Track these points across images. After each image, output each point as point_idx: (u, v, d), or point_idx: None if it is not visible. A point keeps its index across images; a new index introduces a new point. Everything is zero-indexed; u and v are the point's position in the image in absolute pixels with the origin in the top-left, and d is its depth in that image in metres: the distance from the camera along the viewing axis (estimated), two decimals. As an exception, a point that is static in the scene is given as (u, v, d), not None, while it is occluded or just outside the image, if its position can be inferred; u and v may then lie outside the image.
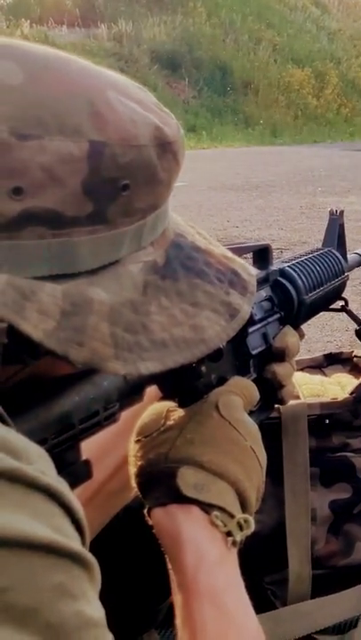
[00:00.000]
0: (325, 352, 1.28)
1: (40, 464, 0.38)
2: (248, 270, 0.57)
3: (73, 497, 0.39)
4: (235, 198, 7.02)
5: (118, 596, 0.64)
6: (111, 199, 0.46)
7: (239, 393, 0.63)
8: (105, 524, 0.70)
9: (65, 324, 0.44)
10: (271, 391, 0.72)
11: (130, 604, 0.81)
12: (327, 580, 0.97)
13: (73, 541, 0.37)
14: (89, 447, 0.54)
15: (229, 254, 0.57)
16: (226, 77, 16.29)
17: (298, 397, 1.02)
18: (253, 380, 0.68)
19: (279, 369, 0.72)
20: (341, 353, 1.25)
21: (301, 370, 1.17)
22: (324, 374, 1.23)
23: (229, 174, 8.85)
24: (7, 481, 0.36)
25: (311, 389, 1.08)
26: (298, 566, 0.95)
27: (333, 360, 1.25)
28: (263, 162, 10.58)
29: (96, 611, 0.37)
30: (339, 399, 1.02)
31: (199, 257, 0.54)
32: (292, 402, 0.98)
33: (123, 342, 0.47)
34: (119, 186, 0.46)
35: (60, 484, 0.38)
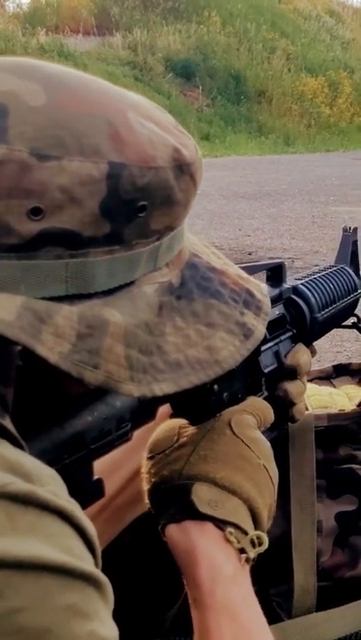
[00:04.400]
0: (335, 362, 1.28)
1: (52, 486, 0.39)
2: (262, 290, 0.57)
3: (85, 517, 0.39)
4: (247, 207, 7.03)
5: (123, 605, 0.64)
6: (128, 220, 0.46)
7: (253, 412, 0.63)
8: (113, 538, 0.70)
9: (80, 346, 0.44)
10: (282, 409, 0.72)
11: (135, 614, 0.82)
12: (333, 592, 0.97)
13: (85, 562, 0.38)
14: (100, 461, 0.54)
15: (244, 274, 0.57)
16: (240, 86, 16.32)
17: (306, 409, 1.02)
18: (265, 399, 0.68)
19: (291, 387, 0.73)
20: (351, 364, 1.25)
21: (310, 381, 1.17)
22: (333, 385, 1.23)
23: (242, 183, 8.86)
24: (21, 504, 0.36)
25: (319, 401, 1.08)
26: (303, 578, 0.94)
27: (342, 371, 1.25)
28: (276, 170, 10.59)
29: (110, 630, 0.38)
30: (346, 411, 1.02)
31: (214, 277, 0.54)
32: (299, 413, 0.98)
33: (137, 364, 0.47)
34: (136, 207, 0.46)
35: (72, 505, 0.39)
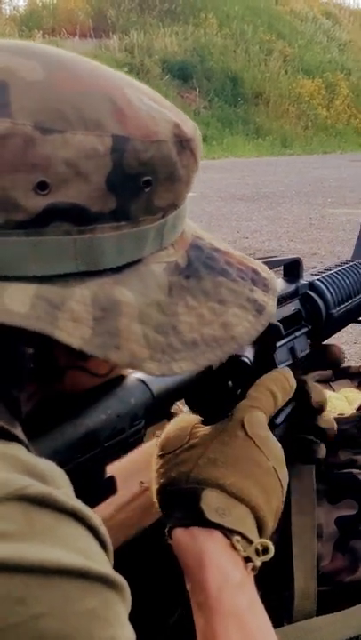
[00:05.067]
0: (333, 366, 1.28)
1: (65, 487, 0.39)
2: (267, 269, 0.57)
3: (96, 517, 0.39)
4: (245, 209, 7.03)
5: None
6: (134, 195, 0.46)
7: (261, 407, 0.63)
8: (124, 542, 0.70)
9: (99, 329, 0.44)
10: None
11: (138, 619, 0.81)
12: (333, 596, 0.97)
13: (103, 565, 0.38)
14: (120, 463, 0.54)
15: (246, 256, 0.57)
16: (237, 88, 16.33)
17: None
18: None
19: (320, 421, 0.73)
20: (350, 367, 1.25)
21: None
22: (332, 389, 1.23)
23: (240, 185, 8.85)
24: (38, 506, 0.36)
25: (318, 404, 1.08)
26: (304, 582, 0.94)
27: (341, 374, 1.25)
28: (273, 172, 10.59)
29: (129, 634, 0.38)
30: (346, 415, 1.02)
31: (219, 257, 0.54)
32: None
33: (155, 344, 0.47)
34: (141, 182, 0.47)
35: (85, 506, 0.39)
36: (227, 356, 0.51)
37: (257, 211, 6.97)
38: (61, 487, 0.39)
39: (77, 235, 0.44)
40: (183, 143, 0.49)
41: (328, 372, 1.25)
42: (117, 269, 0.46)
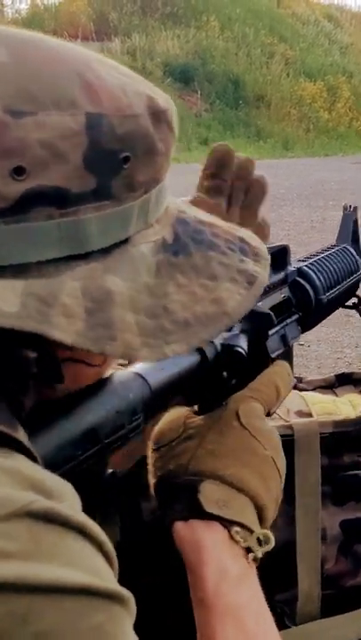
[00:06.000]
0: (335, 368, 1.28)
1: (71, 501, 0.39)
2: (255, 237, 0.56)
3: (101, 531, 0.39)
4: (246, 211, 7.02)
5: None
6: (114, 172, 0.45)
7: (259, 398, 0.63)
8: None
9: (92, 321, 0.43)
10: None
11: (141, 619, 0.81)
12: (336, 599, 0.97)
13: (109, 580, 0.37)
14: None
15: (232, 225, 0.56)
16: (238, 91, 16.34)
17: (311, 415, 1.03)
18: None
19: None
20: (353, 373, 1.25)
21: (313, 390, 1.17)
22: (336, 394, 1.23)
23: (241, 187, 8.84)
24: (43, 522, 0.36)
25: (323, 407, 1.08)
26: (307, 585, 0.94)
27: (345, 380, 1.25)
28: (274, 175, 10.59)
29: None
30: (351, 417, 1.02)
31: (206, 229, 0.53)
32: (304, 420, 0.98)
33: (147, 329, 0.46)
34: (120, 158, 0.46)
35: (90, 520, 0.38)
36: (220, 332, 0.50)
37: (258, 213, 6.97)
38: (67, 500, 0.38)
39: (60, 218, 0.43)
40: (158, 115, 0.48)
41: (331, 378, 1.25)
42: (104, 251, 0.45)
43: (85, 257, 0.44)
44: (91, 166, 0.44)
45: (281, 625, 0.95)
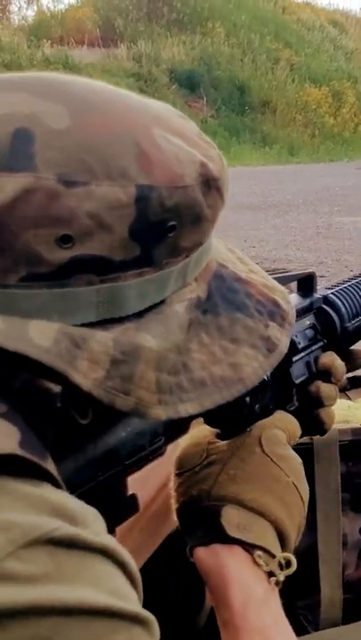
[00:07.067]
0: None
1: (95, 525, 0.39)
2: (287, 299, 0.56)
3: (125, 552, 0.40)
4: (252, 218, 7.04)
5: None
6: (158, 241, 0.45)
7: (283, 427, 0.63)
8: (153, 551, 0.71)
9: (113, 372, 0.43)
10: (312, 412, 0.71)
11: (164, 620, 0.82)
12: (357, 605, 0.98)
13: (131, 601, 0.38)
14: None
15: (269, 282, 0.56)
16: (244, 97, 16.38)
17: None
18: (295, 410, 0.69)
19: (323, 387, 0.71)
20: (366, 376, 1.26)
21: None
22: (348, 397, 1.24)
23: (247, 193, 8.87)
24: (65, 548, 0.36)
25: (340, 415, 1.09)
26: (330, 591, 0.95)
27: (357, 383, 1.26)
28: (280, 181, 10.61)
29: None
30: (368, 424, 1.03)
31: (240, 288, 0.53)
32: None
33: (165, 386, 0.46)
34: (166, 227, 0.46)
35: (113, 541, 0.39)
36: (232, 398, 0.50)
37: (264, 219, 6.99)
38: (91, 525, 0.38)
39: (100, 284, 0.43)
40: (210, 183, 0.48)
41: (344, 381, 1.26)
42: (139, 313, 0.46)
43: (121, 320, 0.45)
44: (136, 236, 0.44)
45: (304, 631, 0.96)
